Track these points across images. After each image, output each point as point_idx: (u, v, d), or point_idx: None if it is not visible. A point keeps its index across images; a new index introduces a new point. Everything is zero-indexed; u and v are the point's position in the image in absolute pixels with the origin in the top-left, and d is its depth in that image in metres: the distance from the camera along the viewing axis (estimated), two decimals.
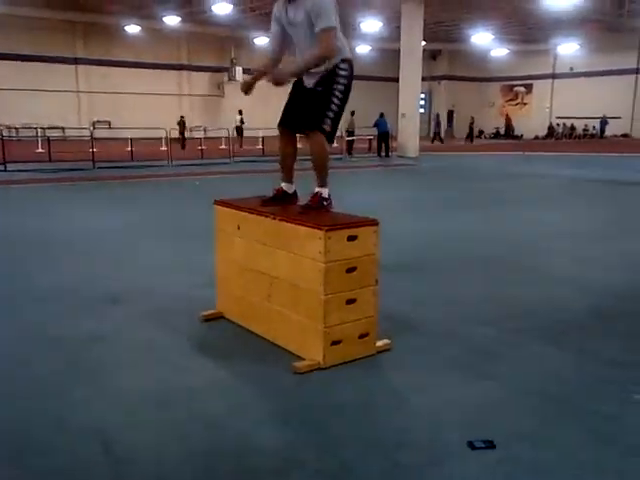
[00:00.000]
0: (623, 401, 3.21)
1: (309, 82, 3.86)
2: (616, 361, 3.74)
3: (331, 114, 3.80)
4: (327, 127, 3.81)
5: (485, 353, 3.87)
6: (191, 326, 4.33)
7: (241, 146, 25.14)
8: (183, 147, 24.84)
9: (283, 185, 4.20)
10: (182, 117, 27.25)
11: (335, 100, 3.79)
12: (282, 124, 4.03)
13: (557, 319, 4.53)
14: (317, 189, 3.97)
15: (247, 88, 4.09)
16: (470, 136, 35.67)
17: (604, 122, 36.13)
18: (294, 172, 4.22)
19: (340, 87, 3.79)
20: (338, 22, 3.74)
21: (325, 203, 3.95)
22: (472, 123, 36.18)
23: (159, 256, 6.52)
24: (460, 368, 3.64)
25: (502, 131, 40.79)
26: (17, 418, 3.05)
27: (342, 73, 3.80)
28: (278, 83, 3.79)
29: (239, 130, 27.20)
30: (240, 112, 27.68)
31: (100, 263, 6.19)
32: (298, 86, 3.97)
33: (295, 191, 4.23)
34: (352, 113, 24.01)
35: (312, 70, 3.78)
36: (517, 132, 40.52)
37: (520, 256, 6.68)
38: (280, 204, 4.13)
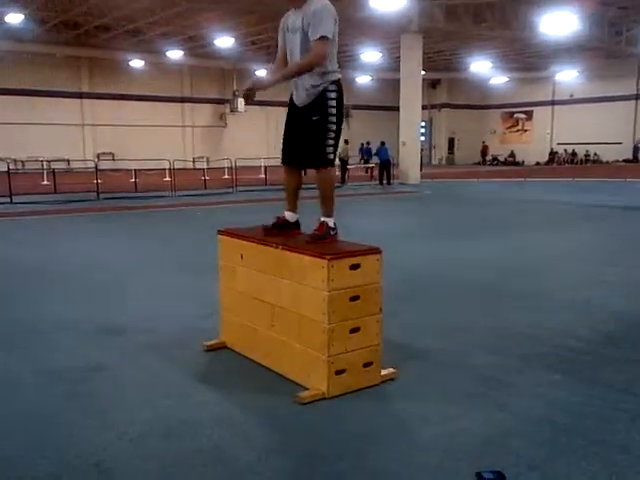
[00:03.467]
0: (633, 431, 3.15)
1: (300, 100, 3.86)
2: (626, 390, 3.69)
3: (330, 141, 3.85)
4: (330, 156, 3.87)
5: (492, 382, 3.82)
6: (194, 356, 4.30)
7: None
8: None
9: (286, 214, 4.21)
10: None
11: (331, 126, 3.82)
12: (286, 162, 4.07)
13: (564, 346, 4.48)
14: (323, 219, 3.97)
15: (247, 96, 3.98)
16: (483, 160, 39.93)
17: (637, 148, 35.93)
18: (298, 202, 4.22)
19: (333, 110, 3.81)
20: (336, 36, 3.77)
21: (332, 232, 3.96)
22: (485, 147, 40.81)
23: (162, 286, 6.51)
24: (467, 397, 3.59)
25: (501, 158, 41.09)
26: (17, 450, 3.01)
27: (332, 96, 3.80)
28: (260, 88, 3.80)
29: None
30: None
31: (103, 293, 6.18)
32: (292, 109, 3.96)
33: (297, 220, 4.23)
34: (346, 142, 24.16)
35: (305, 86, 3.76)
36: (518, 159, 40.74)
37: (526, 282, 6.64)
38: (282, 233, 4.12)
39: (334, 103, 3.81)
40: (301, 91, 3.83)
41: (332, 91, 3.80)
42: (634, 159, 34.58)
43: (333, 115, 3.81)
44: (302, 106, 3.87)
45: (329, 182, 3.97)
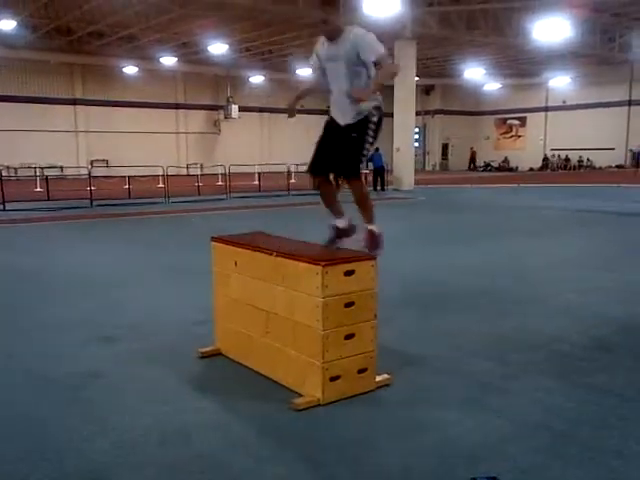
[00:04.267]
0: (628, 436, 3.15)
1: (344, 120, 4.08)
2: (622, 395, 3.69)
3: (364, 158, 4.11)
4: (361, 169, 4.17)
5: (488, 387, 3.82)
6: (189, 363, 4.29)
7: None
8: None
9: (336, 222, 4.25)
10: None
11: (367, 145, 4.08)
12: (314, 172, 4.18)
13: (560, 352, 4.49)
14: (368, 227, 4.14)
15: (291, 112, 4.35)
16: (473, 166, 40.13)
17: (634, 153, 35.95)
18: (341, 206, 4.31)
19: (371, 132, 4.08)
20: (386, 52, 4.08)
21: (380, 239, 4.15)
22: (473, 153, 40.88)
23: (156, 293, 6.48)
24: (462, 403, 3.58)
25: (495, 164, 41.26)
26: (17, 454, 3.00)
27: (374, 119, 4.07)
28: (360, 100, 3.97)
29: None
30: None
31: (98, 301, 6.15)
32: (330, 126, 4.19)
33: (350, 223, 4.27)
34: None
35: (351, 110, 4.03)
36: (512, 165, 40.90)
37: (520, 288, 6.66)
38: (341, 239, 4.22)
39: (373, 126, 4.08)
40: (347, 115, 4.06)
41: (375, 114, 4.08)
42: (636, 164, 34.57)
43: (371, 136, 4.07)
44: (345, 125, 4.08)
45: (362, 190, 4.22)
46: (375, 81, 4.03)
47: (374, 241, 4.11)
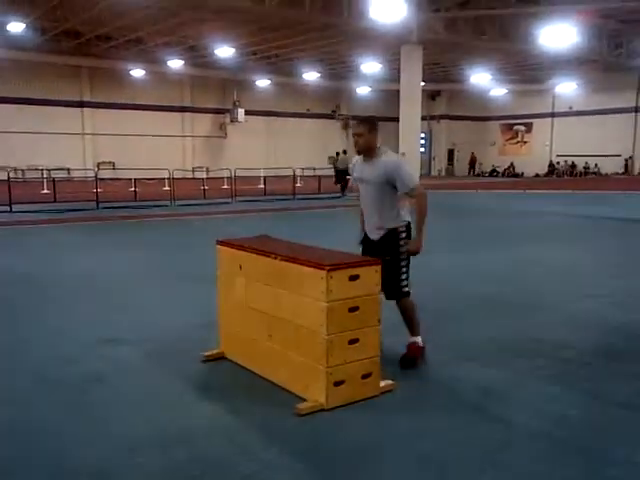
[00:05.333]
0: (633, 445, 3.14)
1: (374, 236, 4.36)
2: (625, 403, 3.68)
3: (404, 276, 4.31)
4: (405, 289, 4.34)
5: (490, 394, 3.81)
6: (193, 366, 4.30)
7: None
8: None
9: (417, 339, 4.42)
10: None
11: (403, 263, 4.30)
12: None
13: (564, 359, 4.47)
14: (412, 338, 4.36)
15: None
16: (473, 171, 40.02)
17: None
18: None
19: (403, 249, 4.30)
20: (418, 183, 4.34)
21: (422, 351, 4.36)
22: (473, 158, 40.67)
23: (161, 296, 6.50)
24: (465, 409, 3.58)
25: (500, 170, 41.17)
26: (18, 458, 3.00)
27: (403, 236, 4.31)
28: (416, 253, 4.31)
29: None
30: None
31: (102, 303, 6.17)
32: (366, 242, 4.46)
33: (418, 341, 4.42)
34: (344, 152, 24.22)
35: (378, 226, 4.34)
36: (518, 170, 40.80)
37: (525, 294, 6.64)
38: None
39: (404, 242, 4.30)
40: (374, 233, 4.36)
41: (403, 231, 4.31)
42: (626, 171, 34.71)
43: (404, 252, 4.29)
44: (376, 240, 4.35)
45: (410, 309, 4.38)
46: (420, 226, 4.30)
47: (415, 353, 4.31)
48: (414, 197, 4.28)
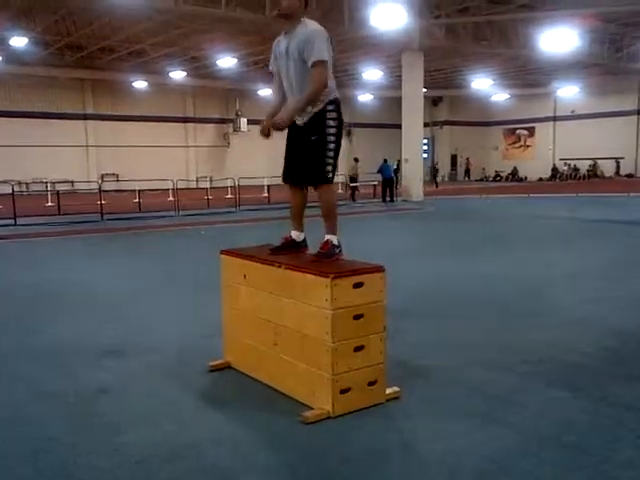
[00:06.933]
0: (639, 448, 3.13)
1: (301, 120, 3.88)
2: (632, 407, 3.66)
3: (330, 160, 3.88)
4: (330, 174, 3.90)
5: (496, 399, 3.80)
6: (198, 376, 4.29)
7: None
8: None
9: (292, 233, 4.22)
10: None
11: (330, 145, 3.86)
12: (286, 179, 4.13)
13: (569, 362, 4.46)
14: (327, 236, 3.97)
15: (266, 132, 3.97)
16: (468, 177, 40.90)
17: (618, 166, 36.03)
18: (304, 221, 4.24)
19: (332, 130, 3.86)
20: (330, 57, 3.80)
21: (337, 250, 3.95)
22: (468, 163, 41.45)
23: (166, 306, 6.50)
24: (472, 415, 3.57)
25: (503, 174, 41.16)
26: (23, 472, 2.99)
27: (331, 115, 3.85)
28: (279, 129, 3.85)
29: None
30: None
31: (107, 314, 6.17)
32: (292, 127, 3.96)
33: (304, 239, 4.24)
34: (356, 160, 24.28)
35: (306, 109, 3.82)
36: (521, 174, 40.78)
37: (529, 298, 6.62)
38: (289, 252, 4.13)
39: (333, 123, 3.86)
40: (299, 117, 3.88)
41: (331, 110, 3.85)
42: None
43: (332, 135, 3.86)
44: (302, 125, 3.91)
45: (330, 200, 4.01)
46: (294, 107, 3.80)
47: (329, 249, 3.91)
48: (312, 74, 3.71)
